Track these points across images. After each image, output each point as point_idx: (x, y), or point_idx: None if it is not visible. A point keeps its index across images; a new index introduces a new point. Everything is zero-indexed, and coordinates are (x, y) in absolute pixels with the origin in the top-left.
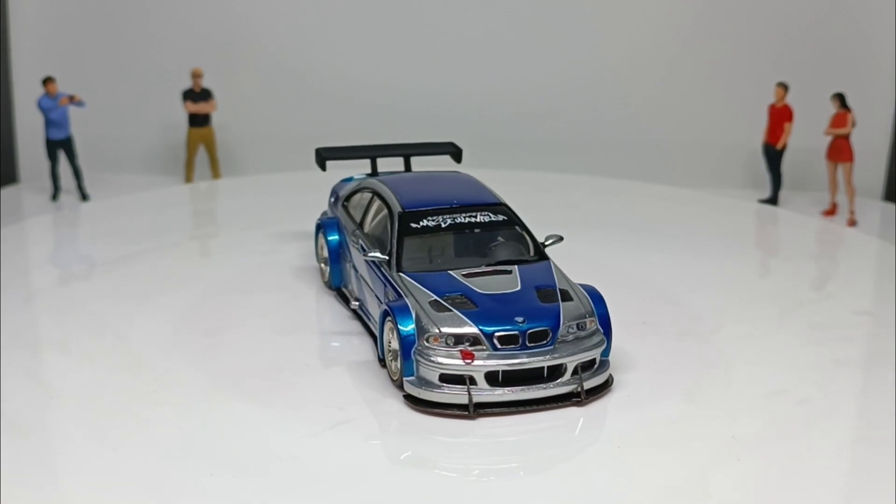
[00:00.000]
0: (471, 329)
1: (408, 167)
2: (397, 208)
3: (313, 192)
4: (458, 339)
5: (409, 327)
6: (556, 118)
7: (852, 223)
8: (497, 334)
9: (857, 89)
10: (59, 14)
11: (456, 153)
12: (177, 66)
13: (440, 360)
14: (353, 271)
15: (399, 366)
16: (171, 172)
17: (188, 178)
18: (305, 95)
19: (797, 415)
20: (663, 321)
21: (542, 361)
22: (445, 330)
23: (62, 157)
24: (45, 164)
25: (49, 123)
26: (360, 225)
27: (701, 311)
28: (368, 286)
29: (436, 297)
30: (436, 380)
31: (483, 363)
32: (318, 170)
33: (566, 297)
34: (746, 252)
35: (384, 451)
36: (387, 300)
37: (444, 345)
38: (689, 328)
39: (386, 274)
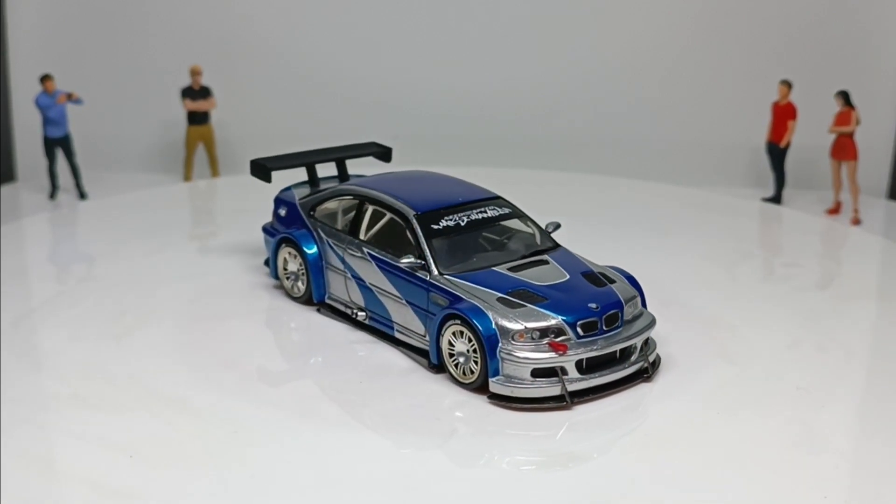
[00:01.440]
0: (554, 321)
1: (343, 170)
2: (410, 211)
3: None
4: (544, 333)
5: (490, 327)
6: (557, 117)
7: (856, 222)
8: (579, 322)
9: (861, 87)
10: (57, 11)
11: (385, 153)
12: (176, 64)
13: (531, 355)
14: (348, 283)
15: (478, 367)
16: (170, 171)
17: (187, 177)
18: (305, 93)
19: (800, 416)
20: (665, 320)
21: (622, 343)
22: (531, 325)
23: (60, 156)
24: (42, 162)
25: (47, 121)
26: (353, 233)
27: (703, 311)
28: (389, 295)
29: (501, 295)
30: (527, 375)
31: (574, 352)
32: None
33: (609, 280)
34: (750, 251)
35: (521, 451)
36: (445, 304)
37: (530, 340)
38: (689, 328)
39: (425, 279)
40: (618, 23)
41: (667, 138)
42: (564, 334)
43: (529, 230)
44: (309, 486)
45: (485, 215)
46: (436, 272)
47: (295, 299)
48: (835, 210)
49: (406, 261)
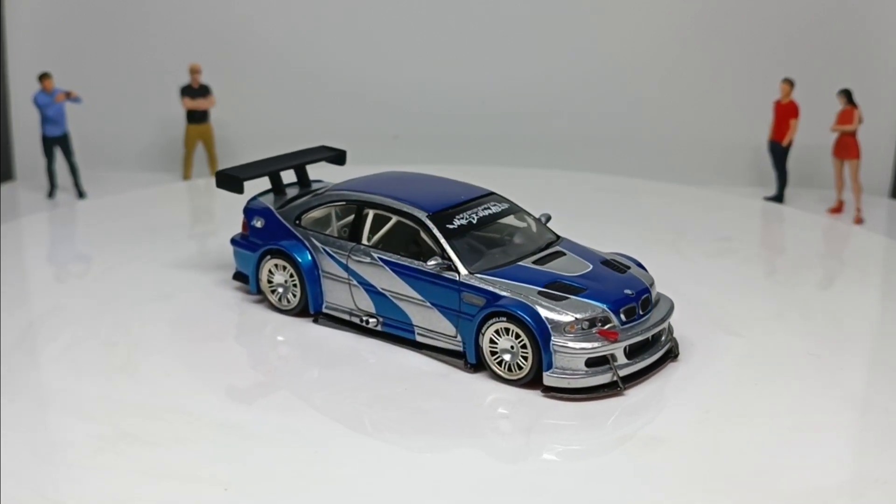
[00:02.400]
0: (600, 310)
1: (304, 175)
2: (421, 213)
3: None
4: (592, 322)
5: (542, 321)
6: (558, 115)
7: (859, 221)
8: (622, 309)
9: (863, 85)
10: (55, 9)
11: (339, 156)
12: (175, 62)
13: (585, 345)
14: (354, 290)
15: (528, 362)
16: (169, 170)
17: (186, 176)
18: (305, 92)
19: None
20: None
21: (657, 326)
22: (580, 316)
23: (59, 154)
24: (41, 161)
25: (45, 120)
26: (354, 239)
27: (705, 310)
28: (409, 299)
29: (540, 288)
30: (582, 366)
31: (622, 339)
32: (315, 168)
33: (625, 266)
34: (752, 250)
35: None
36: (482, 303)
37: (580, 331)
38: (692, 326)
39: (455, 279)
40: (619, 21)
41: (668, 137)
42: (610, 322)
43: (525, 224)
44: (414, 499)
45: (490, 211)
46: (465, 272)
47: (283, 311)
48: (837, 209)
49: (433, 263)
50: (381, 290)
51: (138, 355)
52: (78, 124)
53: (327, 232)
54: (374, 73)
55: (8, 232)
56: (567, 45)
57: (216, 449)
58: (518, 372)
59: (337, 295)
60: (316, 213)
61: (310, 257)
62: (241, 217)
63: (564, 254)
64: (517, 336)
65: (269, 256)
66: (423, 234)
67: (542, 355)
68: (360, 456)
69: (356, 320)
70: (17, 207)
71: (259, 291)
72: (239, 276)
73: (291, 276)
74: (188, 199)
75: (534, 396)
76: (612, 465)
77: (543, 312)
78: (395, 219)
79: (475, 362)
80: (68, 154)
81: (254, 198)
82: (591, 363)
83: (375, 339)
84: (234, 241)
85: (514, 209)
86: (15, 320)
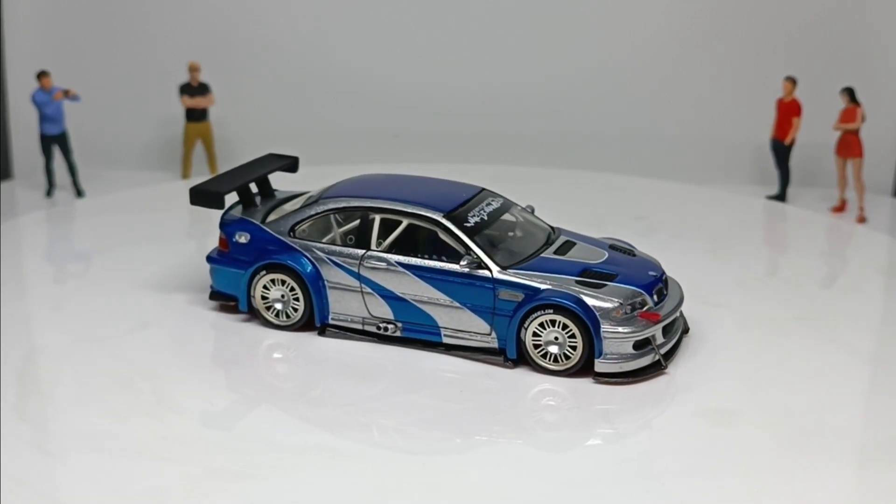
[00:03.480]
0: (638, 294)
1: (267, 186)
2: (437, 213)
3: (312, 189)
4: (633, 306)
5: (590, 310)
6: (559, 114)
7: (862, 220)
8: (654, 291)
9: (866, 83)
10: (54, 7)
11: (293, 164)
12: (174, 60)
13: (632, 329)
14: (367, 298)
15: (577, 351)
16: (168, 168)
17: (185, 175)
18: (304, 90)
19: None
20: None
21: (681, 304)
22: (624, 301)
23: (57, 153)
24: (39, 159)
25: (43, 118)
26: (362, 246)
27: (708, 308)
28: (435, 301)
29: (576, 278)
30: (630, 349)
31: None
32: (315, 167)
33: (632, 250)
34: (754, 249)
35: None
36: (521, 297)
37: (625, 315)
38: (694, 325)
39: (488, 277)
40: (620, 19)
41: (670, 135)
42: (647, 304)
43: (521, 217)
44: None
45: (493, 207)
46: (497, 268)
47: (280, 328)
48: (840, 208)
49: (465, 263)
50: (399, 296)
51: (162, 387)
52: (76, 123)
53: (329, 241)
54: (374, 72)
55: (6, 231)
56: (567, 44)
57: (314, 475)
58: (566, 362)
59: (345, 305)
60: (312, 223)
61: (312, 269)
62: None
63: (575, 243)
64: (564, 327)
65: (264, 272)
66: (441, 235)
67: (592, 343)
68: (460, 460)
69: (371, 328)
70: (16, 206)
71: (250, 309)
72: (218, 296)
73: (292, 289)
74: (187, 198)
75: (579, 384)
76: (681, 437)
77: (590, 301)
78: (406, 222)
79: (515, 357)
80: (67, 152)
81: (226, 212)
82: (636, 346)
83: (386, 345)
84: (211, 259)
85: (508, 203)
86: (10, 314)
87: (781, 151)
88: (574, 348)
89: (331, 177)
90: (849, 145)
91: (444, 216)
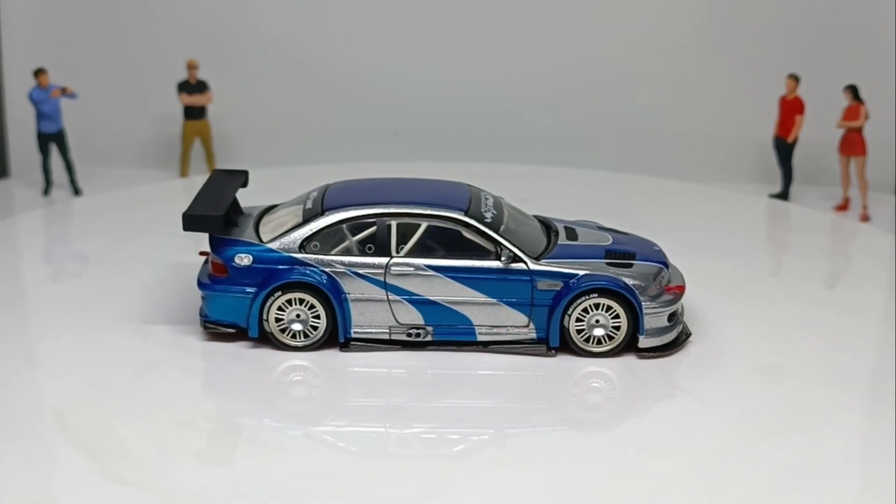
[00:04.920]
0: (661, 269)
1: (236, 204)
2: (457, 213)
3: (311, 188)
4: (660, 282)
5: (631, 290)
6: (561, 112)
7: (865, 218)
8: (665, 264)
9: (870, 81)
10: (50, 3)
11: (246, 179)
12: (172, 57)
13: (665, 302)
14: (395, 305)
15: (620, 331)
16: (166, 166)
17: (183, 173)
18: (304, 87)
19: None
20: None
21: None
22: (654, 278)
23: (54, 151)
24: (36, 157)
25: (40, 116)
26: (384, 254)
27: (711, 308)
28: (469, 301)
29: (604, 261)
30: (666, 322)
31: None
32: (315, 165)
33: (619, 231)
34: (757, 248)
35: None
36: (559, 286)
37: (657, 290)
38: (696, 324)
39: (526, 269)
40: (622, 16)
41: (673, 133)
42: (668, 278)
43: (511, 209)
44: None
45: (491, 201)
46: (531, 260)
47: (297, 349)
48: (843, 206)
49: (505, 259)
50: (430, 300)
51: (217, 430)
52: (74, 120)
53: (344, 252)
54: (374, 69)
55: (3, 230)
56: (570, 42)
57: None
58: (609, 343)
59: (370, 316)
60: (323, 237)
61: (333, 283)
62: None
63: (575, 228)
64: (607, 309)
65: (279, 292)
66: (465, 234)
67: (636, 322)
68: (507, 456)
69: (400, 337)
70: (12, 205)
71: (261, 335)
72: (212, 324)
73: (311, 307)
74: (185, 197)
75: (616, 364)
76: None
77: (629, 281)
78: (425, 224)
79: (559, 345)
80: (64, 151)
81: (216, 237)
82: (669, 318)
83: (415, 351)
84: (205, 286)
85: (497, 197)
86: (8, 313)
87: (784, 149)
88: (617, 329)
89: (331, 176)
90: (852, 143)
91: (465, 213)
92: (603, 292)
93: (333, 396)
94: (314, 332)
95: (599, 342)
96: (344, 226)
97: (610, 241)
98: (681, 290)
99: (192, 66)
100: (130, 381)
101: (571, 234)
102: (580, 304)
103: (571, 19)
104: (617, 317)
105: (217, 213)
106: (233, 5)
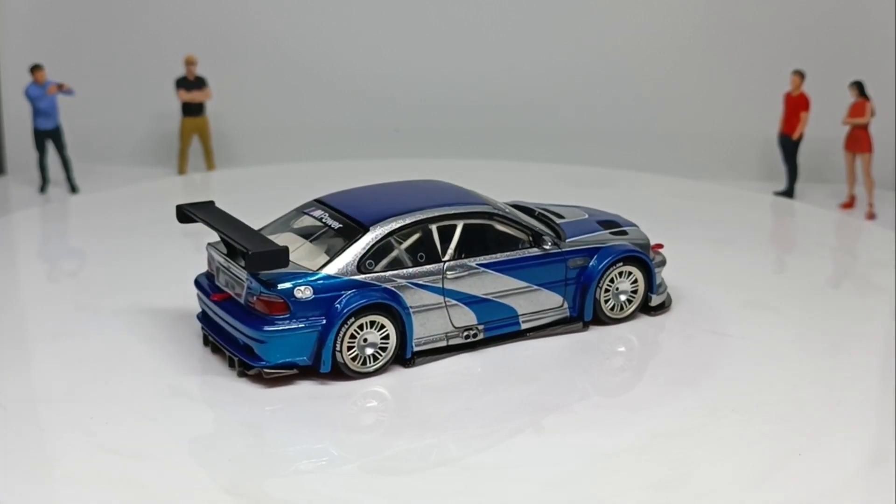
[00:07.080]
0: (642, 233)
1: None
2: (486, 207)
3: (311, 186)
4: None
5: (647, 254)
6: (563, 108)
7: (871, 216)
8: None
9: (876, 77)
10: (48, 0)
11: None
12: (170, 54)
13: (660, 260)
14: (451, 310)
15: (638, 294)
16: (164, 164)
17: (181, 170)
18: (303, 84)
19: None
20: (673, 316)
21: None
22: (647, 239)
23: (50, 148)
24: (32, 154)
25: (37, 113)
26: (434, 260)
27: (713, 307)
28: (517, 291)
29: (607, 232)
30: (664, 278)
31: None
32: (315, 162)
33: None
34: (762, 246)
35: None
36: (586, 262)
37: (652, 252)
38: (697, 324)
39: (559, 251)
40: (625, 12)
41: (677, 130)
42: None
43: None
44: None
45: (485, 194)
46: (563, 242)
47: (363, 375)
48: (849, 204)
49: (550, 243)
50: (483, 297)
51: (273, 452)
52: (70, 117)
53: (398, 265)
54: (373, 66)
55: None
56: (572, 37)
57: None
58: (629, 307)
59: (429, 326)
60: (375, 253)
61: (398, 299)
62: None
63: (553, 209)
64: (628, 275)
65: (352, 319)
66: (499, 226)
67: (650, 284)
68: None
69: (457, 341)
70: (9, 202)
71: (333, 369)
72: (274, 370)
73: (381, 327)
74: (183, 194)
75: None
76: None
77: (641, 245)
78: (461, 224)
79: (592, 318)
80: (60, 148)
81: (256, 273)
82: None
83: (466, 353)
84: (268, 332)
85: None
86: (5, 312)
87: (789, 146)
88: (635, 292)
89: (331, 176)
90: (858, 140)
91: (497, 205)
92: (629, 260)
93: (424, 412)
94: (383, 354)
95: (622, 308)
96: (392, 238)
97: (587, 216)
98: (660, 247)
99: (190, 63)
100: (129, 381)
101: (558, 215)
102: (608, 274)
103: (573, 15)
104: (635, 281)
105: (282, 248)
106: (231, 1)
